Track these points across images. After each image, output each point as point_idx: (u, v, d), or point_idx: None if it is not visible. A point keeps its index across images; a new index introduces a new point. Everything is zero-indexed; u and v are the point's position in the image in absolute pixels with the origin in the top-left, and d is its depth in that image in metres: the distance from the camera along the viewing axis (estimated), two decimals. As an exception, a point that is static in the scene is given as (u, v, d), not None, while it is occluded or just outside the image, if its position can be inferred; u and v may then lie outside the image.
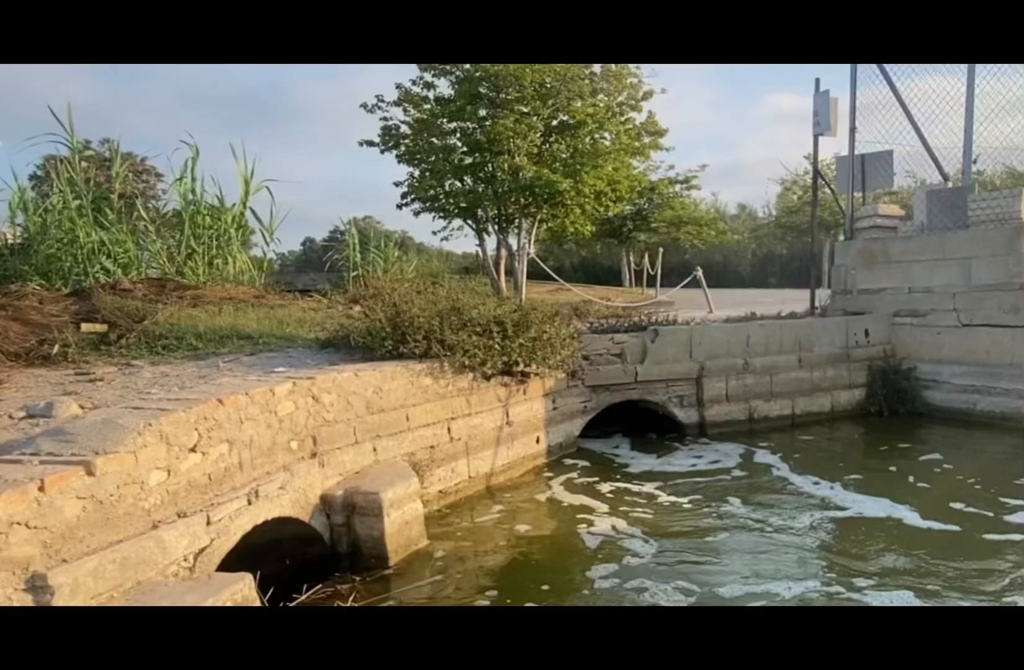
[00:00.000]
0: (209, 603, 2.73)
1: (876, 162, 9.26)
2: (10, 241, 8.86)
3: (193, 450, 3.22)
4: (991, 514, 5.00)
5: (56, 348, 5.13)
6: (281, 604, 3.62)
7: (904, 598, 3.74)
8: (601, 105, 13.58)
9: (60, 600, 2.44)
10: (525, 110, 12.92)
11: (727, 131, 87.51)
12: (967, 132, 8.49)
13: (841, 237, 10.72)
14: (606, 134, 13.93)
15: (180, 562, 3.06)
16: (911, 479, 5.90)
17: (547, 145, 13.73)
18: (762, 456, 6.77)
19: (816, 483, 5.84)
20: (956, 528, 4.76)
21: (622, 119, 14.20)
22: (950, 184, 8.81)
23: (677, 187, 23.59)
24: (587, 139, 13.67)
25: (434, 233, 16.12)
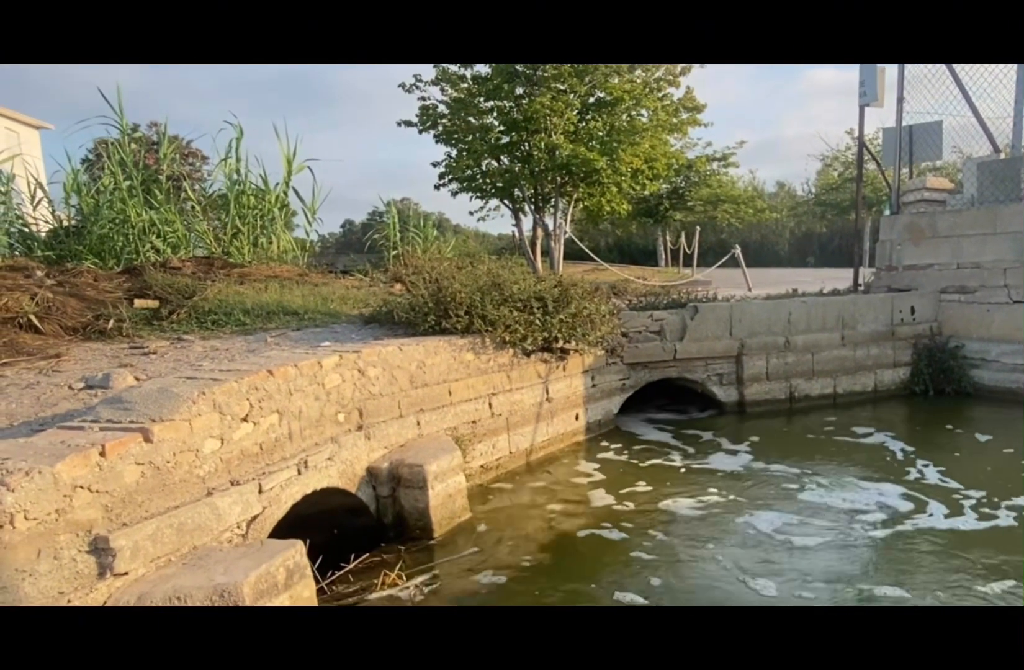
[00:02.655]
0: (263, 569, 2.79)
1: (925, 133, 8.97)
2: (65, 223, 9.08)
3: (245, 420, 3.29)
4: None
5: (111, 323, 5.29)
6: (330, 572, 3.72)
7: None
8: (638, 81, 13.39)
9: (121, 562, 2.53)
10: (562, 87, 12.79)
11: (766, 106, 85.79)
12: (1017, 102, 8.18)
13: (886, 212, 10.44)
14: (643, 111, 13.74)
15: (233, 529, 3.14)
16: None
17: (583, 123, 13.57)
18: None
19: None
20: None
21: (659, 95, 13.97)
22: (1002, 155, 8.52)
23: (714, 164, 23.08)
24: (624, 116, 13.49)
25: (471, 213, 16.17)
